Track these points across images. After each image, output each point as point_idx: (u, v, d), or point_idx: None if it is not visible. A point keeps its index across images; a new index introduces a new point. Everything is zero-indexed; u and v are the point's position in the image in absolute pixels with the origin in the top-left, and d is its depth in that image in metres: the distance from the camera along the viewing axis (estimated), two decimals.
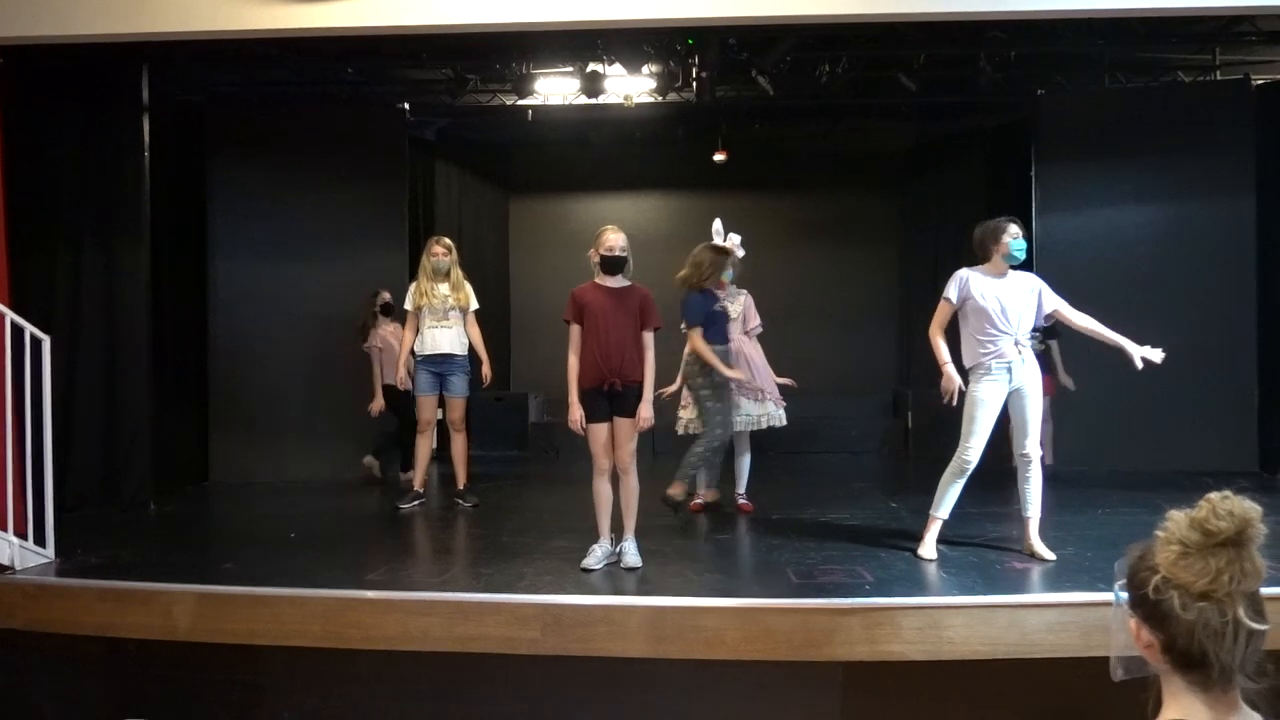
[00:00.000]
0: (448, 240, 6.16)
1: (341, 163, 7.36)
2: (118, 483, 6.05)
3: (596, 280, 4.45)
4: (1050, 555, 4.40)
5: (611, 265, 4.39)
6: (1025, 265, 4.68)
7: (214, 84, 7.63)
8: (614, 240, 4.39)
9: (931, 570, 4.24)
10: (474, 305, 6.08)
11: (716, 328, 5.45)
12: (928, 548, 4.48)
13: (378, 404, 6.77)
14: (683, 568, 4.37)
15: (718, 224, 5.80)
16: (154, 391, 6.19)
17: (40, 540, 4.46)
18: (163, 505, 6.16)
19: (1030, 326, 4.43)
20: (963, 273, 4.44)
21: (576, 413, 4.37)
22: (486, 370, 6.07)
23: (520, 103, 8.08)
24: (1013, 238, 4.37)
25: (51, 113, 6.01)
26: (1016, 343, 4.35)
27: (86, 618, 4.02)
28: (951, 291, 4.42)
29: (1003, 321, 4.34)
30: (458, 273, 6.05)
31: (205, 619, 3.91)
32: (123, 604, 3.99)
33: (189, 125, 7.17)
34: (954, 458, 4.43)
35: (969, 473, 4.42)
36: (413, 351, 6.00)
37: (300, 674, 4.14)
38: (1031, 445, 4.42)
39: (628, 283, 4.44)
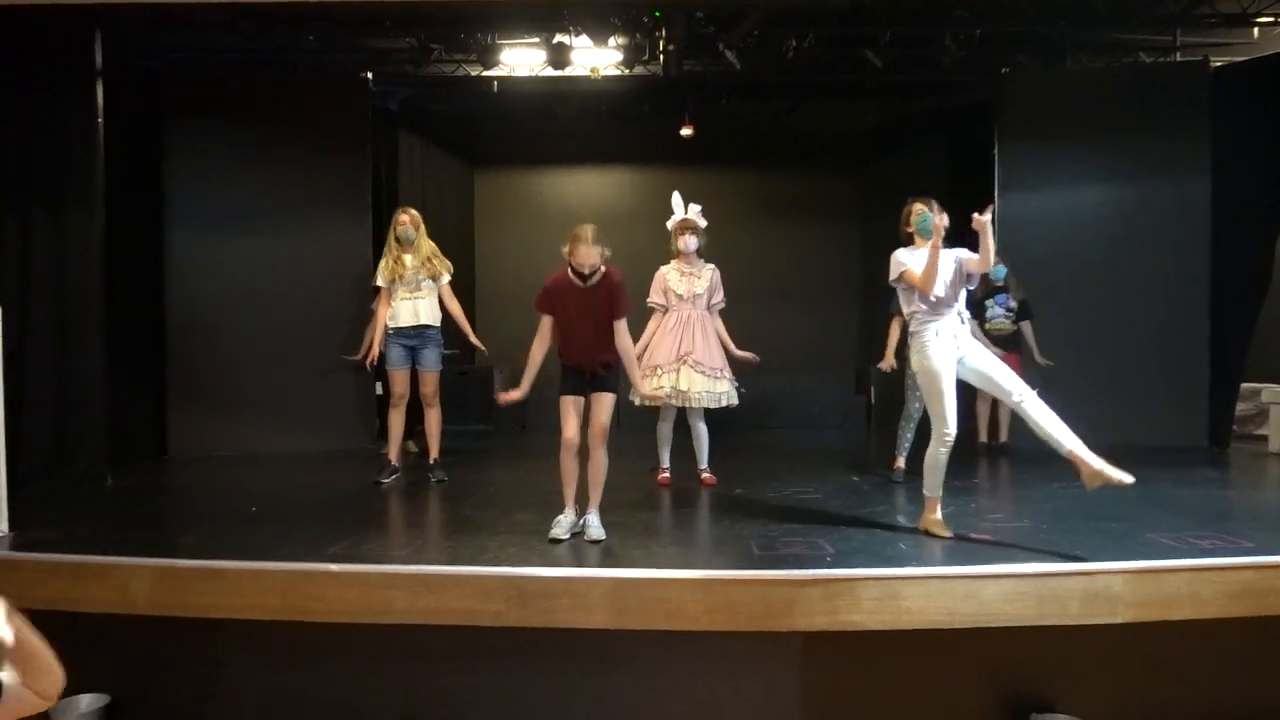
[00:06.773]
0: (413, 210, 6.05)
1: (302, 132, 7.24)
2: (72, 456, 5.94)
3: (569, 274, 4.39)
4: (1126, 477, 3.84)
5: (580, 277, 4.35)
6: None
7: (169, 50, 7.44)
8: (587, 258, 4.25)
9: (891, 542, 4.28)
10: (447, 276, 6.00)
11: None
12: (942, 526, 4.32)
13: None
14: (645, 540, 4.40)
15: (676, 196, 5.80)
16: (109, 364, 6.08)
17: None
18: (119, 479, 6.06)
19: (965, 296, 4.38)
20: (898, 253, 4.45)
21: (516, 393, 4.39)
22: (475, 341, 6.01)
23: (485, 73, 7.99)
24: (915, 214, 4.47)
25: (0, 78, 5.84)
26: (959, 316, 4.34)
27: (40, 592, 3.95)
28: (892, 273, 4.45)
29: (944, 296, 4.31)
30: (426, 243, 5.95)
31: (163, 593, 3.86)
32: (78, 578, 3.94)
33: (144, 92, 6.99)
34: (934, 435, 4.32)
35: (952, 445, 4.31)
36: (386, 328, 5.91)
37: (261, 648, 4.12)
38: (1017, 390, 4.18)
39: (598, 277, 4.36)
